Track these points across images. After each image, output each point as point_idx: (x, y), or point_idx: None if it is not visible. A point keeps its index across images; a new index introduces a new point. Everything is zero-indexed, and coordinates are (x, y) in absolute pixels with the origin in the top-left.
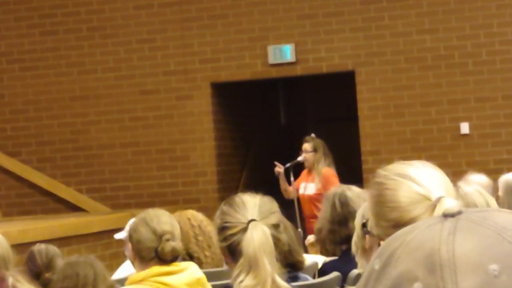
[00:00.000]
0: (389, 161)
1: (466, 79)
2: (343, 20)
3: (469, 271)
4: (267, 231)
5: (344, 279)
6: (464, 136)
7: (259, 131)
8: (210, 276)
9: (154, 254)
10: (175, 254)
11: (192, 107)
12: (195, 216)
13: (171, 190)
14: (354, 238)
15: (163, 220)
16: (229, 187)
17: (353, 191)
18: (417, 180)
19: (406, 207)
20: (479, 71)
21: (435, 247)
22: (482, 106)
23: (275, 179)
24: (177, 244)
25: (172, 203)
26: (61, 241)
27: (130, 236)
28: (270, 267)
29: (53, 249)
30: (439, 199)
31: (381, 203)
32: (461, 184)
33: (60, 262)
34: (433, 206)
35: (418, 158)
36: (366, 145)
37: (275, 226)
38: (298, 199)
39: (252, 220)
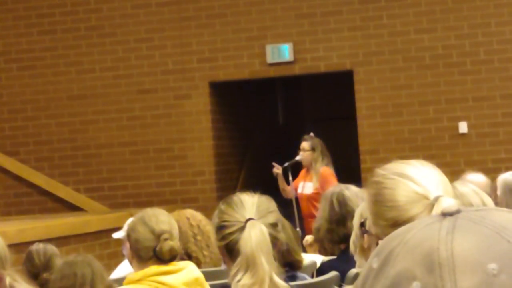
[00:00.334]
0: (387, 160)
1: (464, 78)
2: (341, 20)
3: (468, 270)
4: (265, 230)
5: (342, 278)
6: (462, 135)
7: (257, 130)
8: (208, 276)
9: (152, 254)
10: (173, 254)
11: (190, 106)
12: (194, 215)
13: (169, 190)
14: (352, 238)
15: (161, 219)
16: (227, 187)
17: (351, 191)
18: (415, 179)
19: (404, 206)
20: (477, 70)
21: (433, 246)
22: (480, 105)
23: (273, 178)
24: (175, 243)
25: (170, 203)
26: (59, 240)
27: (128, 236)
28: (267, 266)
29: (51, 249)
30: (437, 198)
31: (379, 202)
32: (457, 184)
33: (58, 262)
34: (431, 205)
35: (416, 157)
36: (364, 145)
37: (273, 225)
38: (297, 198)
39: (250, 219)
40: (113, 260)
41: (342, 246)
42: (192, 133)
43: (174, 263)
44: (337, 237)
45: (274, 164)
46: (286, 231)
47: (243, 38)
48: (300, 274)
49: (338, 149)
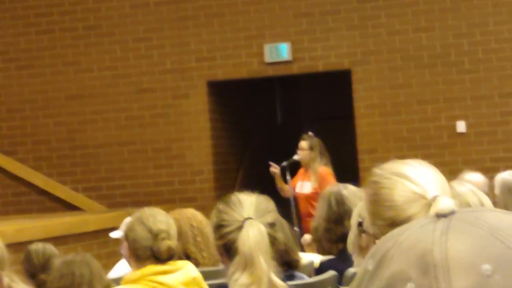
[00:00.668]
0: (386, 159)
1: (462, 77)
2: (339, 19)
3: (462, 271)
4: (263, 229)
5: (340, 277)
6: (461, 134)
7: (256, 129)
8: (206, 275)
9: (150, 253)
10: (171, 253)
11: (189, 105)
12: (195, 216)
13: (168, 189)
14: (350, 237)
15: (159, 219)
16: (225, 186)
17: (349, 190)
18: (412, 179)
19: (401, 206)
20: (475, 69)
21: (428, 247)
22: (479, 104)
23: (271, 178)
24: (173, 243)
25: (168, 202)
26: (57, 240)
27: (126, 235)
28: (266, 265)
29: (50, 249)
30: (434, 198)
31: (377, 202)
32: (455, 183)
33: (57, 263)
34: (429, 205)
35: (415, 156)
36: (362, 144)
37: (271, 225)
38: (295, 197)
39: (248, 218)
40: (111, 260)
41: (340, 246)
42: (190, 133)
43: (172, 262)
44: (335, 236)
45: (271, 163)
46: (284, 231)
47: (241, 38)
48: (298, 273)
49: (336, 149)
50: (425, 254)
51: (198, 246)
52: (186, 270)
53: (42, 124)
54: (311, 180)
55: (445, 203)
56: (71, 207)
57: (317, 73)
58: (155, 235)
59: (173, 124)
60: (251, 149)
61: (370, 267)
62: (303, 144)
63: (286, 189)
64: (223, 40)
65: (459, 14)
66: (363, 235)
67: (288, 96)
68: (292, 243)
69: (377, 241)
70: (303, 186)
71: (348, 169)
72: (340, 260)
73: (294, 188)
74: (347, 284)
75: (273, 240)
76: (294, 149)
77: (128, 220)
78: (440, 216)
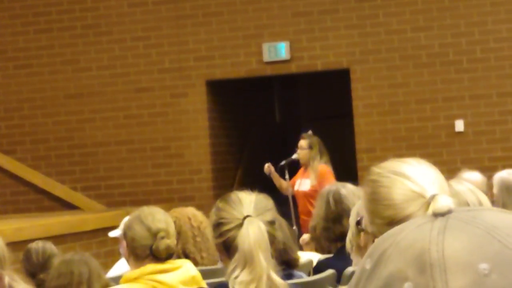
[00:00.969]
0: (384, 158)
1: (460, 76)
2: (338, 18)
3: (459, 271)
4: (263, 227)
5: (339, 276)
6: (459, 133)
7: (254, 128)
8: (205, 274)
9: (148, 252)
10: (169, 252)
11: (187, 104)
12: (196, 216)
13: (166, 188)
14: (349, 236)
15: (158, 217)
16: (224, 185)
17: (347, 189)
18: (411, 177)
19: (400, 204)
20: (473, 68)
21: (425, 246)
22: (477, 104)
23: (270, 176)
24: (172, 241)
25: (167, 201)
26: (56, 239)
27: (124, 234)
28: (265, 262)
29: (50, 248)
30: (433, 197)
31: (375, 201)
32: (453, 182)
33: (56, 262)
34: (427, 204)
35: (413, 155)
36: (361, 143)
37: (271, 223)
38: (293, 196)
39: (248, 216)
40: (110, 259)
41: (339, 244)
42: (188, 132)
43: (171, 261)
44: (333, 235)
45: (266, 165)
46: (283, 230)
47: (239, 37)
48: (296, 272)
49: (335, 148)
50: (422, 253)
51: (198, 247)
52: (185, 268)
53: (40, 123)
54: (310, 178)
55: (443, 202)
56: (69, 206)
57: (316, 72)
58: (154, 234)
59: (171, 123)
60: (250, 148)
61: (368, 266)
62: (302, 143)
63: (284, 186)
64: (222, 39)
65: (458, 13)
66: (362, 234)
67: (286, 95)
68: (291, 242)
69: (375, 240)
70: (302, 183)
71: (346, 168)
72: (339, 259)
73: (292, 187)
74: (346, 283)
75: (272, 239)
76: (292, 148)
77: (127, 219)
78: (437, 215)
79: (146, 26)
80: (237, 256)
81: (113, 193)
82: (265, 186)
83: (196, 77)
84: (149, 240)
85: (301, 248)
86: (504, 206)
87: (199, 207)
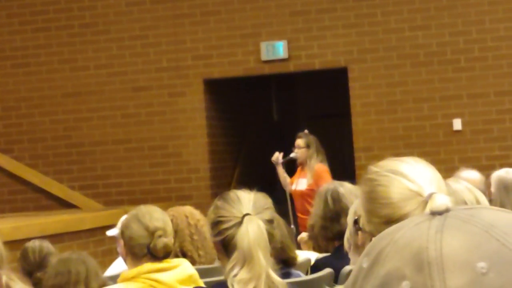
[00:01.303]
0: (382, 157)
1: (458, 75)
2: (335, 17)
3: (457, 269)
4: (262, 226)
5: (336, 275)
6: (457, 132)
7: (252, 127)
8: (202, 273)
9: (146, 251)
10: (167, 251)
11: (185, 103)
12: (193, 214)
13: (164, 187)
14: (346, 235)
15: (155, 216)
16: (222, 184)
17: (345, 188)
18: (408, 176)
19: (397, 203)
20: (471, 67)
21: (422, 245)
22: (475, 102)
23: (268, 175)
24: (169, 240)
25: (164, 200)
26: (54, 237)
27: (122, 233)
28: (264, 261)
29: (47, 247)
30: (430, 195)
31: (373, 200)
32: (450, 181)
33: (53, 261)
34: (425, 203)
35: (411, 154)
36: (358, 142)
37: (269, 222)
38: (291, 195)
39: (247, 214)
40: (108, 258)
41: (336, 243)
42: (186, 131)
43: (168, 260)
44: (331, 234)
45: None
46: (281, 228)
47: (237, 36)
48: (294, 271)
49: (333, 146)
50: (420, 252)
51: (195, 245)
52: (182, 267)
53: (38, 122)
54: (307, 177)
55: (441, 201)
56: (67, 205)
57: (314, 71)
58: (152, 233)
59: (169, 122)
60: (247, 147)
61: (365, 265)
62: (300, 142)
63: (287, 181)
64: (219, 38)
65: (455, 12)
66: (359, 232)
67: (284, 94)
68: (289, 240)
69: (373, 239)
70: (298, 183)
71: (344, 167)
72: (336, 258)
73: (290, 186)
74: (343, 282)
75: (270, 237)
76: (290, 147)
77: (124, 218)
78: (435, 213)
79: (144, 25)
80: (236, 255)
81: (111, 192)
82: (263, 185)
83: (194, 76)
84: (146, 239)
85: (299, 247)
86: (502, 204)
87: (197, 206)
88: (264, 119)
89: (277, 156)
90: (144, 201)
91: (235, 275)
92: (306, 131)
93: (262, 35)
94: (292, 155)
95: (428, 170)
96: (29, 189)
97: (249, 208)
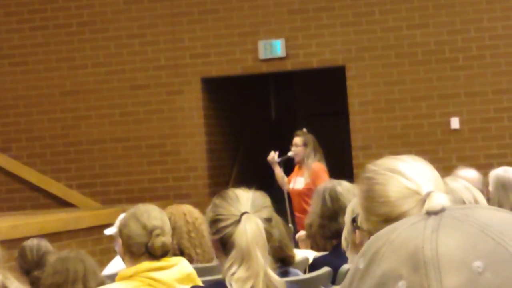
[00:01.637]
0: (380, 156)
1: (456, 74)
2: (333, 15)
3: (453, 269)
4: (260, 224)
5: (334, 274)
6: (455, 131)
7: (250, 126)
8: (200, 272)
9: (144, 250)
10: (165, 250)
11: (183, 102)
12: (191, 212)
13: (162, 185)
14: (344, 233)
15: (153, 215)
16: (220, 182)
17: (343, 186)
18: (406, 174)
19: (395, 202)
20: (469, 65)
21: (418, 245)
22: (473, 101)
23: (266, 174)
24: (167, 239)
25: (162, 198)
26: (52, 236)
27: (120, 232)
28: (262, 259)
29: (45, 245)
30: (428, 194)
31: (370, 198)
32: (448, 180)
33: (51, 260)
34: (423, 201)
35: (409, 153)
36: (356, 140)
37: (268, 220)
38: (289, 194)
39: (245, 212)
40: (106, 256)
41: (334, 242)
42: (184, 129)
43: (167, 259)
44: (329, 232)
45: (272, 152)
46: (279, 227)
47: (235, 34)
48: (292, 269)
49: (330, 145)
50: (416, 251)
51: (192, 242)
52: (180, 266)
53: (36, 120)
54: (304, 176)
55: (438, 200)
56: (65, 204)
57: (311, 70)
58: (150, 232)
59: (167, 120)
60: (245, 145)
61: (361, 265)
62: (297, 140)
63: (285, 180)
64: (217, 36)
65: (453, 11)
66: (357, 231)
67: (282, 93)
68: (287, 239)
69: (370, 238)
70: (296, 181)
71: (342, 166)
72: (334, 256)
73: (288, 185)
74: (341, 280)
75: (268, 236)
76: (288, 145)
77: (122, 216)
78: (430, 213)
79: (142, 24)
80: (234, 253)
81: (109, 191)
82: (261, 183)
83: (192, 75)
84: (144, 238)
85: (296, 245)
86: (500, 203)
87: (195, 205)
88: (262, 117)
89: (273, 156)
90: (142, 200)
91: (233, 274)
92: (304, 129)
93: (260, 33)
94: (289, 153)
95: (426, 169)
96: (27, 188)
97: (247, 206)
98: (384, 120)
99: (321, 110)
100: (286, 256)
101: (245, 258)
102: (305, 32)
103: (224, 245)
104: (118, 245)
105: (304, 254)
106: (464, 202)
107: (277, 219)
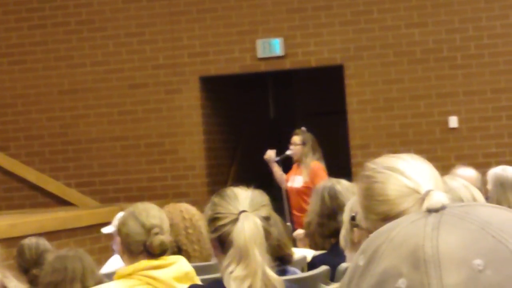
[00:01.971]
0: (378, 155)
1: (454, 72)
2: (332, 14)
3: (454, 266)
4: (258, 222)
5: (333, 272)
6: (453, 129)
7: (248, 125)
8: (198, 270)
9: (142, 248)
10: (163, 248)
11: (181, 101)
12: (188, 209)
13: (160, 184)
14: (343, 232)
15: (152, 213)
16: (218, 181)
17: (342, 185)
18: (405, 173)
19: (394, 200)
20: (467, 64)
21: (419, 242)
22: (471, 100)
23: (264, 173)
24: (166, 237)
25: (161, 197)
26: (50, 235)
27: (118, 230)
28: (260, 258)
29: (43, 244)
30: (428, 193)
31: (370, 197)
32: (447, 178)
33: (49, 258)
34: (422, 200)
35: (407, 152)
36: (355, 139)
37: (266, 219)
38: (287, 192)
39: (243, 211)
40: (104, 255)
41: (333, 240)
42: (183, 128)
43: (165, 257)
44: (327, 231)
45: (269, 151)
46: (278, 226)
47: (234, 33)
48: (290, 268)
49: (329, 144)
50: (416, 249)
51: (190, 239)
52: (178, 265)
53: (34, 119)
54: (303, 175)
55: (437, 198)
56: (63, 202)
57: (310, 69)
58: (148, 230)
59: (165, 119)
60: (244, 144)
61: (361, 262)
62: (296, 139)
63: (281, 178)
64: (216, 35)
65: (452, 10)
66: (355, 229)
67: (280, 92)
68: (285, 238)
69: (369, 237)
70: (294, 180)
71: (340, 164)
72: (333, 255)
73: (286, 183)
74: (340, 279)
75: (267, 235)
76: (286, 144)
77: (120, 215)
78: (431, 211)
79: (140, 22)
80: (232, 251)
81: (107, 189)
82: (260, 182)
83: (190, 73)
84: (143, 236)
85: (295, 244)
86: (498, 202)
87: (193, 203)
88: (261, 116)
89: (270, 154)
90: (141, 198)
91: (231, 272)
92: (303, 128)
93: (258, 32)
94: (288, 152)
95: (425, 167)
96: (25, 187)
97: (245, 205)
98: (382, 119)
99: (319, 109)
100: (285, 255)
101: (243, 257)
102: (304, 31)
103: (222, 243)
104: (117, 243)
105: (303, 252)
106: (462, 201)
107: (275, 217)
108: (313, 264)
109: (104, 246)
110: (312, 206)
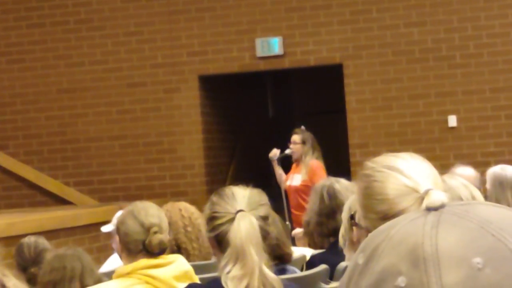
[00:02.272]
0: (377, 154)
1: (453, 72)
2: (331, 13)
3: (453, 265)
4: (255, 222)
5: (332, 271)
6: (452, 129)
7: (247, 124)
8: (197, 269)
9: (141, 247)
10: (162, 247)
11: (180, 100)
12: (187, 208)
13: (159, 183)
14: (342, 231)
15: (151, 212)
16: (217, 180)
17: (341, 184)
18: (405, 172)
19: (394, 199)
20: (466, 64)
21: (418, 241)
22: (470, 99)
23: (263, 172)
24: (165, 236)
25: (160, 196)
26: (49, 234)
27: (117, 229)
28: (257, 257)
29: (42, 243)
30: (427, 192)
31: (369, 196)
32: (446, 177)
33: (48, 257)
34: (421, 199)
35: (406, 151)
36: (354, 138)
37: (264, 218)
38: (286, 191)
39: (240, 210)
40: (103, 254)
41: (332, 239)
42: (181, 127)
43: (164, 256)
44: (326, 230)
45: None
46: (276, 225)
47: (232, 32)
48: (290, 267)
49: (328, 143)
50: (415, 247)
51: (189, 237)
52: (177, 263)
53: (33, 118)
54: (302, 173)
55: (437, 197)
56: (62, 201)
57: (309, 68)
58: (147, 229)
59: (164, 118)
60: (243, 143)
61: (361, 261)
62: (295, 138)
63: (282, 178)
64: (215, 34)
65: (451, 9)
66: (355, 228)
67: (279, 91)
68: (284, 237)
69: (368, 235)
70: (293, 178)
71: (339, 164)
72: (332, 254)
73: (285, 182)
74: (339, 278)
75: (265, 234)
76: (286, 143)
77: (119, 213)
78: (430, 209)
79: (139, 21)
80: (228, 251)
81: (106, 188)
82: (259, 181)
83: (189, 72)
84: (142, 235)
85: (294, 243)
86: (497, 201)
87: (192, 202)
88: (260, 115)
89: (275, 153)
90: (139, 197)
91: (228, 272)
92: (302, 127)
93: (257, 31)
94: (287, 151)
95: (424, 166)
96: (24, 186)
97: (243, 204)
98: (381, 118)
99: (318, 108)
100: (284, 254)
101: (239, 256)
102: (303, 30)
103: (220, 243)
104: (116, 242)
105: (302, 251)
106: (462, 200)
107: (274, 216)
108: (312, 263)
109: (103, 245)
110: (311, 205)
